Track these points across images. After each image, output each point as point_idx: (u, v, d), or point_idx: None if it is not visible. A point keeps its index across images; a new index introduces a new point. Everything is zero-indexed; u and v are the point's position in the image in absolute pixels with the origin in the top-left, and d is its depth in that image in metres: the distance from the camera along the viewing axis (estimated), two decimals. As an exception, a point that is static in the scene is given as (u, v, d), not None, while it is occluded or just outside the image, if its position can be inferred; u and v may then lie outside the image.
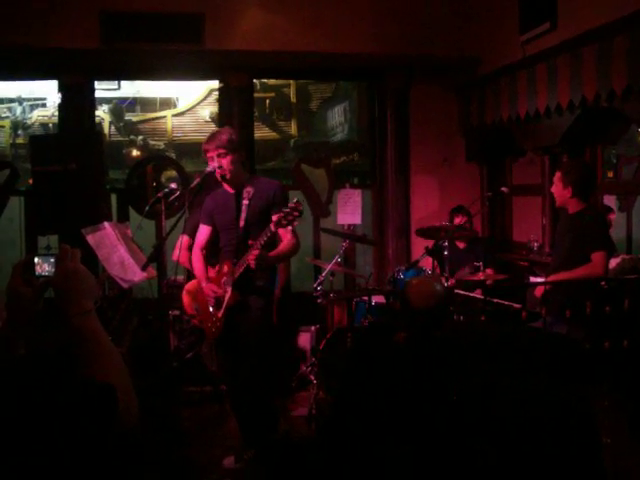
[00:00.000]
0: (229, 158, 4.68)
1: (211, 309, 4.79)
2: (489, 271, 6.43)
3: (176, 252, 5.53)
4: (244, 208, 4.62)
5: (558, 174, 5.11)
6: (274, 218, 4.30)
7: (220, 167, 4.65)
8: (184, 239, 5.58)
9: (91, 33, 6.91)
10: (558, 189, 5.10)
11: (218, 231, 4.91)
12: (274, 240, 4.71)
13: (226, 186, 4.81)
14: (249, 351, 4.69)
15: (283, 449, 4.95)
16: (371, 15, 7.48)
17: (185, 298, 5.66)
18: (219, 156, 4.66)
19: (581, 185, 5.10)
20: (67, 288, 1.82)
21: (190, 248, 5.41)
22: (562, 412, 2.01)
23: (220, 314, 4.70)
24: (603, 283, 4.96)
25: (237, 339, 4.74)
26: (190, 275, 5.78)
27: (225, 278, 4.68)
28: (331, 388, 5.67)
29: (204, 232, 4.95)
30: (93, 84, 7.65)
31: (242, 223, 4.63)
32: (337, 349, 5.74)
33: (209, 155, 4.68)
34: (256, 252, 4.38)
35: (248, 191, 4.65)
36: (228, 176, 4.71)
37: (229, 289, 4.63)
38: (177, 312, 5.74)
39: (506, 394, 2.61)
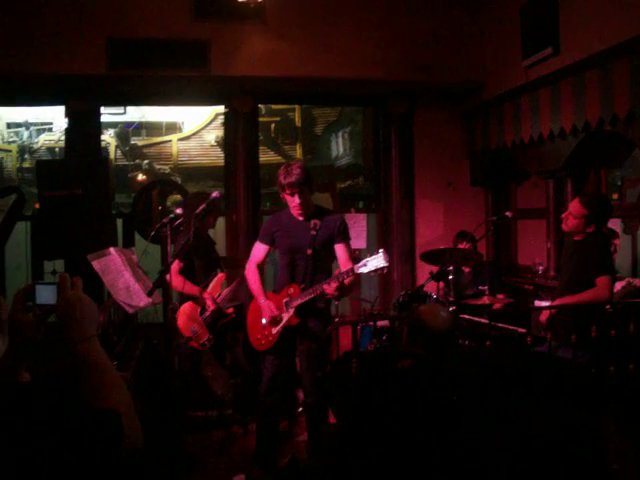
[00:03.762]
0: (306, 194, 4.76)
1: (264, 321, 4.92)
2: (500, 295, 6.44)
3: (168, 276, 5.57)
4: (311, 238, 4.75)
5: (582, 210, 4.96)
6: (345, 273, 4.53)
7: (299, 204, 4.73)
8: (175, 263, 5.63)
9: (98, 60, 6.96)
10: (578, 223, 4.99)
11: (280, 252, 5.02)
12: (330, 264, 4.94)
13: (293, 212, 4.86)
14: (309, 373, 4.92)
15: (291, 473, 4.95)
16: (375, 41, 7.52)
17: (180, 321, 5.69)
18: (298, 193, 4.71)
19: (604, 222, 5.14)
20: (70, 316, 1.84)
21: (180, 272, 5.60)
22: (572, 440, 2.01)
23: (275, 331, 4.85)
24: (608, 307, 4.94)
25: (292, 357, 5.00)
26: (183, 298, 5.80)
27: (287, 299, 4.80)
28: (338, 413, 5.65)
29: (262, 250, 5.04)
30: (99, 110, 7.73)
31: (310, 252, 4.76)
32: (343, 374, 5.72)
33: (288, 192, 4.72)
34: (336, 284, 4.52)
35: (315, 223, 4.77)
36: (305, 212, 4.81)
37: (291, 311, 4.77)
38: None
39: (513, 421, 2.61)
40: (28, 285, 1.93)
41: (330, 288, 4.54)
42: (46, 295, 1.90)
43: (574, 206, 5.01)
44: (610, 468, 2.44)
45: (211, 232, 6.14)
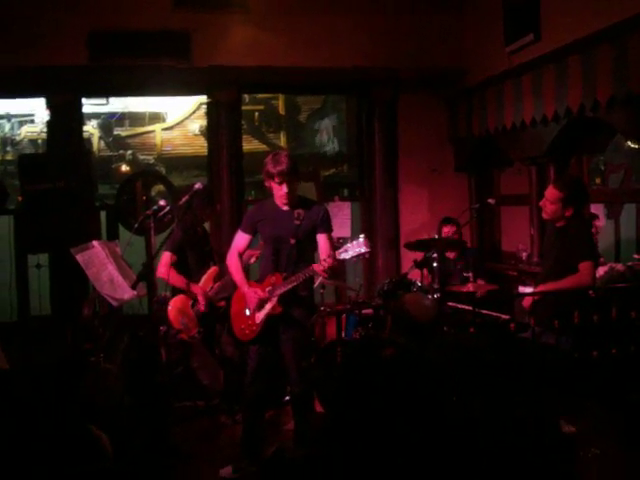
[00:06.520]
0: (293, 183, 4.77)
1: (247, 312, 4.91)
2: (480, 282, 6.45)
3: (160, 269, 5.58)
4: (295, 228, 4.75)
5: (556, 193, 4.99)
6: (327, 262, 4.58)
7: (286, 192, 4.73)
8: (166, 255, 5.62)
9: (79, 51, 6.94)
10: (556, 208, 5.00)
11: (263, 242, 5.03)
12: (313, 254, 4.94)
13: (278, 201, 4.87)
14: (294, 362, 4.89)
15: (278, 463, 4.97)
16: (358, 29, 7.54)
17: (171, 313, 5.69)
18: (287, 182, 4.71)
19: (582, 204, 5.16)
20: None
21: (171, 264, 5.58)
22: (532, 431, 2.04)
23: (259, 320, 4.84)
24: (591, 292, 4.98)
25: (276, 346, 4.91)
26: (175, 291, 5.80)
27: (270, 288, 4.79)
28: (324, 401, 5.68)
29: (244, 240, 5.03)
30: (81, 101, 7.67)
31: (293, 241, 4.75)
32: (328, 363, 5.75)
33: (277, 180, 4.71)
34: (331, 261, 4.56)
35: (299, 213, 4.76)
36: (291, 201, 4.81)
37: (274, 299, 4.76)
38: (165, 328, 5.74)
39: (491, 411, 2.64)
40: None
41: (320, 267, 4.60)
42: None
43: (549, 192, 5.06)
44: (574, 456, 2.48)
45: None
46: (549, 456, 2.20)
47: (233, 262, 5.04)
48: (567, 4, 5.85)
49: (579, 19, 5.64)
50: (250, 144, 11.06)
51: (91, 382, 5.55)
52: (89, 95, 8.46)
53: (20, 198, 7.22)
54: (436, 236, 6.66)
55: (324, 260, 4.62)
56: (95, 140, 11.64)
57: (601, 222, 7.33)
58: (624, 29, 5.06)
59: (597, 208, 7.49)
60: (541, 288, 5.11)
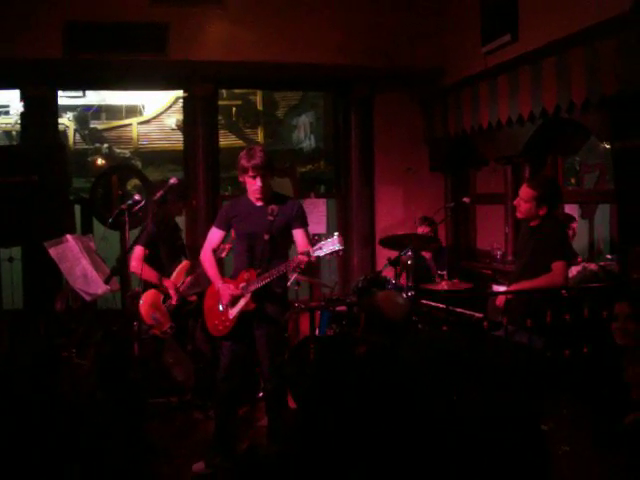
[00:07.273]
0: (267, 178, 4.80)
1: (221, 307, 4.91)
2: (455, 281, 6.48)
3: (132, 263, 5.57)
4: (268, 224, 4.76)
5: (530, 192, 5.05)
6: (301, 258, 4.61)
7: (260, 186, 4.76)
8: (138, 249, 5.62)
9: (54, 43, 6.87)
10: (529, 207, 5.05)
11: (237, 238, 5.03)
12: (287, 250, 4.97)
13: (252, 196, 4.87)
14: (267, 358, 4.91)
15: (251, 459, 4.98)
16: (336, 27, 7.54)
17: (143, 308, 5.68)
18: (261, 176, 4.74)
19: (555, 203, 5.20)
20: None
21: (143, 258, 5.62)
22: (513, 429, 2.05)
23: (232, 316, 4.84)
24: (563, 292, 5.02)
25: (250, 342, 4.94)
26: (146, 285, 5.78)
27: (244, 284, 4.79)
28: (297, 398, 5.68)
29: (218, 235, 5.04)
30: (56, 94, 7.60)
31: (267, 237, 4.76)
32: (302, 359, 5.75)
33: (251, 174, 4.73)
34: (306, 258, 4.59)
35: (273, 209, 4.78)
36: (265, 196, 4.83)
37: (248, 295, 4.76)
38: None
39: (463, 408, 2.65)
40: None
41: (303, 258, 4.62)
42: None
43: (523, 190, 5.12)
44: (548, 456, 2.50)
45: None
46: (524, 453, 2.21)
47: (207, 257, 5.04)
48: (545, 5, 5.89)
49: (556, 21, 5.68)
50: (227, 139, 11.00)
51: (64, 377, 5.52)
52: (64, 88, 8.39)
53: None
54: (419, 230, 6.70)
55: (302, 254, 4.64)
56: (71, 133, 11.51)
57: (577, 224, 7.39)
58: (595, 33, 5.11)
59: (572, 208, 7.56)
60: (514, 287, 5.14)
